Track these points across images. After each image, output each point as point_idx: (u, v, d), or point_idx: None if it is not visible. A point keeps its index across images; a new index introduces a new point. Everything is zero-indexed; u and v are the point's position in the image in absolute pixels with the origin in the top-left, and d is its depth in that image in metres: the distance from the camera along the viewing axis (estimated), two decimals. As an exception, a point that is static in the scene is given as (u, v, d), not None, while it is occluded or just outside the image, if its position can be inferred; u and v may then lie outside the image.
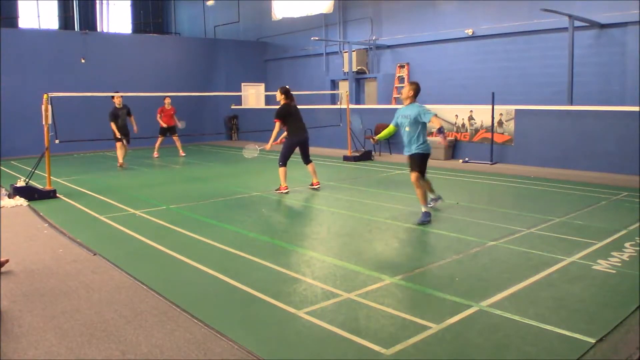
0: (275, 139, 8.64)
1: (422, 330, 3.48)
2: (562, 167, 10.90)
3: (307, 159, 8.90)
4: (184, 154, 14.89)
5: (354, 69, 17.39)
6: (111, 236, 6.16)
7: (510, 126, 11.94)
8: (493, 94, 12.01)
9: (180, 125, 14.61)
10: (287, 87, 8.82)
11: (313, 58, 19.69)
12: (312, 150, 15.32)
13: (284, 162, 8.56)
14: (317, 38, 17.73)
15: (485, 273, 4.67)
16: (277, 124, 8.52)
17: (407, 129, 6.70)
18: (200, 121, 19.43)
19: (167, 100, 14.48)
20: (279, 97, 8.64)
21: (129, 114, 12.51)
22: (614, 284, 4.34)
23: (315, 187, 8.88)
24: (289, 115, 8.53)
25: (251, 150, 8.44)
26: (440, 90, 15.36)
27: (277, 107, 8.68)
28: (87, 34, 17.92)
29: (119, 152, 12.50)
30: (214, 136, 19.41)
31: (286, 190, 8.54)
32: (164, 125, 14.46)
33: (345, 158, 13.02)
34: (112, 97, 12.46)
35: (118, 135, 12.21)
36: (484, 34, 14.32)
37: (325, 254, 5.31)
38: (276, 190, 8.62)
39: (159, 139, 14.69)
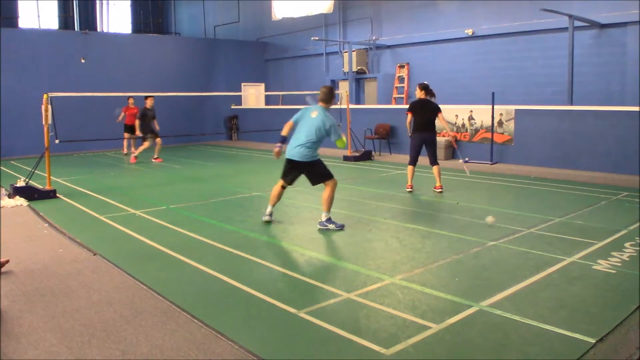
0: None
1: (422, 330, 3.48)
2: (562, 167, 10.90)
3: (431, 160, 8.56)
4: (133, 153, 14.93)
5: (354, 69, 17.38)
6: (111, 236, 6.16)
7: (510, 126, 11.93)
8: (493, 94, 12.00)
9: (118, 115, 14.65)
10: (425, 83, 8.76)
11: (313, 58, 19.68)
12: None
13: (410, 161, 8.60)
14: (317, 38, 17.73)
15: (485, 273, 4.67)
16: (409, 116, 8.60)
17: None
18: (200, 121, 19.43)
19: (131, 101, 14.57)
20: (420, 94, 8.60)
21: (153, 117, 13.35)
22: (614, 284, 4.34)
23: (438, 190, 8.47)
24: (413, 110, 8.50)
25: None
26: (440, 90, 15.29)
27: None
28: (87, 34, 17.91)
29: (141, 148, 13.37)
30: (214, 136, 19.40)
31: (410, 189, 8.55)
32: (126, 123, 14.58)
33: (345, 158, 13.02)
34: (146, 98, 13.18)
35: (138, 133, 13.19)
36: (484, 34, 14.32)
37: (325, 254, 5.31)
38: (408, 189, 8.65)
39: (125, 138, 14.81)
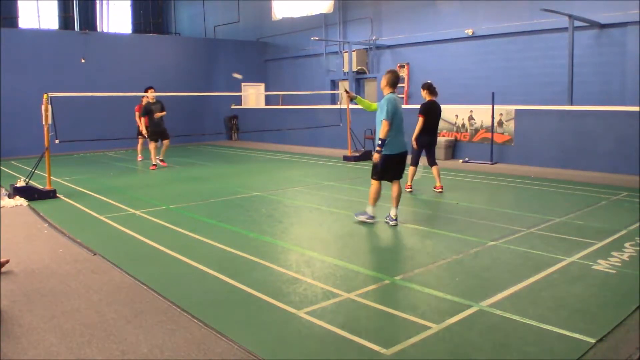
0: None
1: (422, 330, 3.48)
2: (562, 167, 10.90)
3: (431, 161, 8.60)
4: (141, 158, 13.83)
5: (354, 68, 17.39)
6: (111, 236, 6.16)
7: (510, 126, 11.93)
8: (493, 94, 12.00)
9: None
10: (429, 82, 8.72)
11: (313, 58, 19.67)
12: (312, 150, 15.48)
13: (412, 162, 8.48)
14: (317, 38, 17.72)
15: (485, 273, 4.67)
16: (421, 120, 8.33)
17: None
18: (200, 121, 19.43)
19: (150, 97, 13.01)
20: (424, 94, 8.58)
21: (162, 109, 12.15)
22: (614, 284, 4.34)
23: (438, 190, 8.47)
24: (427, 113, 8.36)
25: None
26: (440, 90, 15.30)
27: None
28: (87, 34, 17.92)
29: (153, 151, 12.25)
30: (214, 136, 19.39)
31: (409, 189, 8.51)
32: (143, 126, 12.86)
33: (345, 158, 13.02)
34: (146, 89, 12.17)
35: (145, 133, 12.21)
36: (484, 34, 14.31)
37: (325, 254, 5.31)
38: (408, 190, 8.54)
39: (140, 141, 13.71)
